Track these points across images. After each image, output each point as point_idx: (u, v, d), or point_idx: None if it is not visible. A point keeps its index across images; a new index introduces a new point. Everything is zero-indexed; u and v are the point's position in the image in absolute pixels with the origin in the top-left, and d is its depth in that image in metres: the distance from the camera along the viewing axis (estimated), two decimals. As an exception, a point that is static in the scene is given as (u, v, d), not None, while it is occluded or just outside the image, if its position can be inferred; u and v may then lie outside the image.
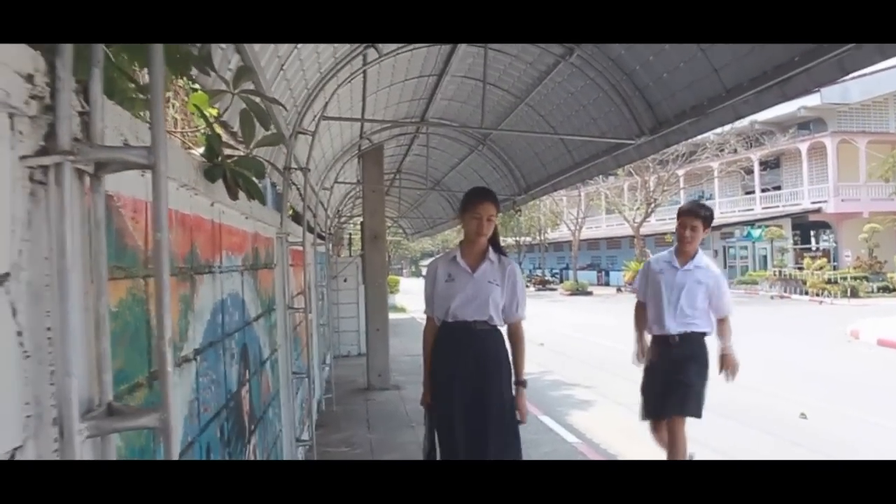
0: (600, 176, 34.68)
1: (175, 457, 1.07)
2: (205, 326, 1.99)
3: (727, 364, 3.98)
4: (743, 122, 29.11)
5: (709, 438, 5.89)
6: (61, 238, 0.94)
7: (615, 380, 8.38)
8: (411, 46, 4.45)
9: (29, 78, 0.89)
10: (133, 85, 1.44)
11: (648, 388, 4.06)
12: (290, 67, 3.43)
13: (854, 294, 22.07)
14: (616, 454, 5.47)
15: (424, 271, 3.63)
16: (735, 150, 29.05)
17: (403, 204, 14.56)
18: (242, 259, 2.72)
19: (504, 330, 3.40)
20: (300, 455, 4.26)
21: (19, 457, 0.87)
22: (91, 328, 1.04)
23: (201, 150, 2.01)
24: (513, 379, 3.35)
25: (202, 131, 2.47)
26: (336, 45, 3.94)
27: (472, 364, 3.25)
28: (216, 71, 2.04)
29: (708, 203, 33.07)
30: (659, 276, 3.97)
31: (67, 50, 0.93)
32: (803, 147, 28.26)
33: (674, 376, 3.85)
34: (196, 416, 1.85)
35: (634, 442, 5.06)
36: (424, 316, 3.56)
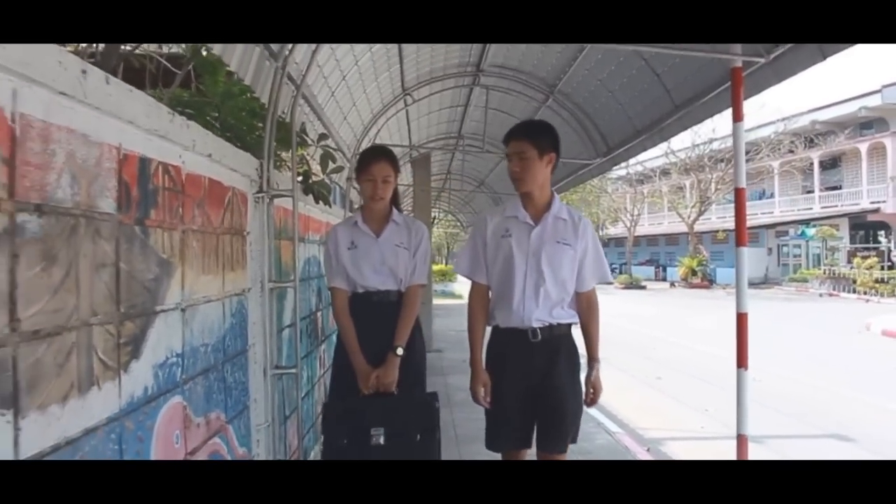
0: (658, 174, 35.59)
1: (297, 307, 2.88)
2: (301, 268, 3.84)
3: (594, 387, 2.72)
4: (803, 122, 29.30)
5: (689, 398, 7.43)
6: (262, 222, 2.80)
7: (643, 361, 9.83)
8: (438, 90, 6.23)
9: (256, 169, 2.73)
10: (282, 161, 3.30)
11: (499, 412, 2.69)
12: (350, 115, 5.28)
13: (903, 293, 22.11)
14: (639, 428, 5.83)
15: None
16: (791, 151, 29.22)
17: (457, 200, 16.40)
18: (320, 237, 4.58)
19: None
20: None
21: (250, 292, 2.69)
22: (268, 253, 2.86)
23: (301, 177, 3.86)
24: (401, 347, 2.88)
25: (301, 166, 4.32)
26: (382, 94, 5.78)
27: (388, 338, 2.87)
28: (308, 135, 3.89)
29: (767, 202, 32.04)
30: (503, 239, 2.71)
31: (264, 156, 2.77)
32: (863, 147, 28.22)
33: (542, 398, 2.63)
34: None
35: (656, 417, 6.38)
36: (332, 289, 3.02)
